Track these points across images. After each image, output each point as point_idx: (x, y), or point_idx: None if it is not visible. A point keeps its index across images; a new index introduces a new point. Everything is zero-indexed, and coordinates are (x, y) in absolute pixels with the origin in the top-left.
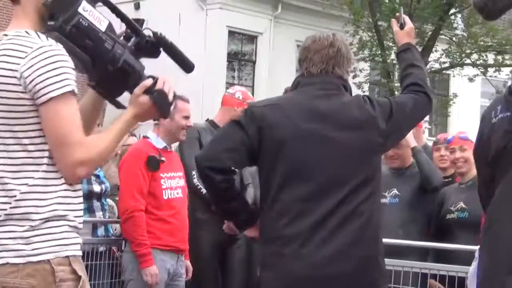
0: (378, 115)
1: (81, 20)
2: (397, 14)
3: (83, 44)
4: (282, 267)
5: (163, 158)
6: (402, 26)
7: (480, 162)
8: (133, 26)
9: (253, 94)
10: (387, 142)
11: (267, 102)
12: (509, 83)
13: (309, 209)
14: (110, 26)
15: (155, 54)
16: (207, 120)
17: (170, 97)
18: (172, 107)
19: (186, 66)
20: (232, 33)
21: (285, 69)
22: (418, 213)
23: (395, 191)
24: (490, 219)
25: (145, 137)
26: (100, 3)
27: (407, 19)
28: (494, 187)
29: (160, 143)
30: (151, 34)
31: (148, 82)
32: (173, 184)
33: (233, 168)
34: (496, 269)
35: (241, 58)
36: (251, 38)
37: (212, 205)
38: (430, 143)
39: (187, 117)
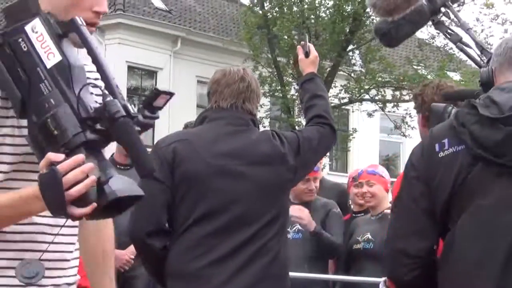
0: (287, 151)
1: (21, 41)
2: (302, 42)
3: (15, 74)
4: None
5: None
6: (307, 54)
7: (419, 195)
8: (108, 84)
9: (153, 129)
10: (295, 177)
11: (175, 138)
12: (453, 112)
13: (218, 245)
14: (60, 66)
15: (103, 143)
16: (112, 155)
17: (75, 190)
18: (65, 206)
19: (140, 168)
20: (131, 68)
21: (185, 104)
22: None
23: (297, 226)
24: (451, 253)
25: None
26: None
27: (311, 47)
28: (446, 220)
29: None
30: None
31: (55, 156)
32: None
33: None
34: None
35: (141, 93)
36: (151, 73)
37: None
38: (331, 178)
39: None
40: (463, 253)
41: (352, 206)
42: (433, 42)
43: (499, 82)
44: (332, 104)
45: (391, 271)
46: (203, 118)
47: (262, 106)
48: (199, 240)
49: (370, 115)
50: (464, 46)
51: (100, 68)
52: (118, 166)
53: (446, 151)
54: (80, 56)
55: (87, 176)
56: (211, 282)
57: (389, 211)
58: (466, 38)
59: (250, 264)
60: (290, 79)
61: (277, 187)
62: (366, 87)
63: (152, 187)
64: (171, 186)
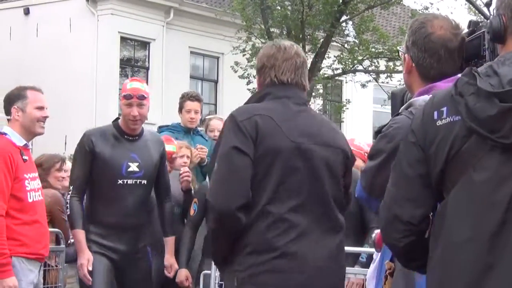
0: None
1: None
2: None
3: None
4: (277, 279)
5: (26, 157)
6: None
7: (415, 161)
8: None
9: None
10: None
11: (253, 111)
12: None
13: (299, 221)
14: None
15: None
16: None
17: None
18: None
19: None
20: (124, 39)
21: (179, 75)
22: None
23: None
24: (442, 225)
25: (1, 133)
26: None
27: None
28: (442, 188)
29: (19, 140)
30: None
31: None
32: (35, 186)
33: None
34: (451, 283)
35: (134, 64)
36: (144, 44)
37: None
38: None
39: (40, 108)
40: (453, 227)
41: None
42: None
43: (508, 46)
44: (326, 75)
45: (386, 235)
46: (266, 94)
47: (255, 77)
48: (281, 216)
49: (363, 86)
50: None
51: None
52: (126, 136)
53: (444, 120)
54: None
55: None
56: (295, 258)
57: None
58: None
59: (327, 238)
60: None
61: (339, 169)
62: (360, 58)
63: (240, 160)
64: (253, 160)
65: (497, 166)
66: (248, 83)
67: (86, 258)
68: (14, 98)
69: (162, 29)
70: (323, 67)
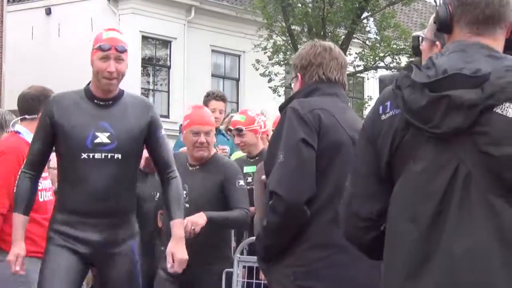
0: None
1: None
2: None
3: None
4: (338, 274)
5: None
6: None
7: (368, 157)
8: None
9: (168, 100)
10: None
11: (313, 105)
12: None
13: None
14: None
15: None
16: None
17: None
18: None
19: None
20: (145, 38)
21: (200, 73)
22: None
23: None
24: (389, 218)
25: (16, 132)
26: None
27: None
28: (391, 183)
29: None
30: None
31: None
32: (46, 185)
33: None
34: (394, 273)
35: (155, 63)
36: (165, 43)
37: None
38: None
39: None
40: (395, 219)
41: None
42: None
43: (455, 35)
44: (347, 72)
45: (347, 233)
46: (314, 90)
47: (277, 74)
48: None
49: None
50: None
51: None
52: (96, 101)
53: (387, 114)
54: None
55: None
56: (355, 253)
57: None
58: None
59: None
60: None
61: None
62: (381, 54)
63: (308, 153)
64: (317, 153)
65: (432, 156)
66: (270, 81)
67: (15, 254)
68: (43, 99)
69: (183, 28)
70: None
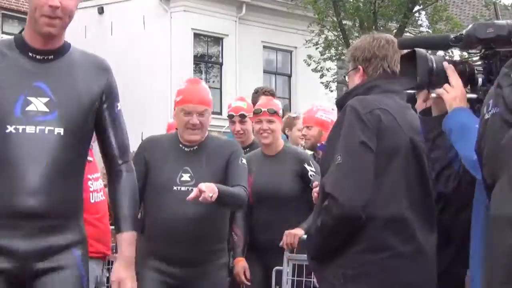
0: None
1: None
2: None
3: None
4: (390, 278)
5: (90, 158)
6: None
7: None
8: None
9: (221, 96)
10: None
11: (373, 105)
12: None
13: (412, 221)
14: None
15: None
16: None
17: None
18: None
19: None
20: (197, 36)
21: (252, 70)
22: None
23: None
24: (489, 219)
25: None
26: None
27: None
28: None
29: None
30: None
31: None
32: (98, 186)
33: None
34: (492, 277)
35: (207, 60)
36: (217, 40)
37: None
38: None
39: None
40: (494, 220)
41: None
42: (500, 1)
43: None
44: None
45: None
46: (374, 86)
47: (329, 70)
48: (396, 215)
49: None
50: None
51: None
52: (32, 53)
53: (489, 113)
54: None
55: None
56: (408, 257)
57: None
58: None
59: (431, 238)
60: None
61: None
62: None
63: (367, 157)
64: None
65: None
66: (322, 76)
67: None
68: None
69: (234, 25)
70: None
